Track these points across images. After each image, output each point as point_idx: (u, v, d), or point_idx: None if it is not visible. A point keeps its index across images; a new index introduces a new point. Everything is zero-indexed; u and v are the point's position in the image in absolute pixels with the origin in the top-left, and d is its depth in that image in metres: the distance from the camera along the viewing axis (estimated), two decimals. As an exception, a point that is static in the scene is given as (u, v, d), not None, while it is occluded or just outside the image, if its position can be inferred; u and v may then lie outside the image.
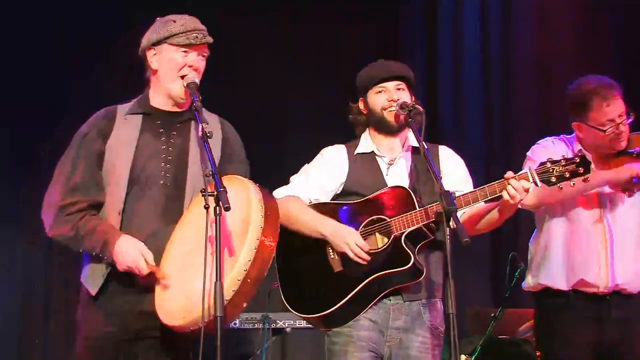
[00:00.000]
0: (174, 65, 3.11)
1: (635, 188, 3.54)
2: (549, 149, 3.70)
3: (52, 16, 6.06)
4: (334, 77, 6.06)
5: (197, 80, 3.11)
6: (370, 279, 3.19)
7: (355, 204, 3.32)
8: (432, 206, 3.15)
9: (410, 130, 3.31)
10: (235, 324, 5.12)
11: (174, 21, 3.12)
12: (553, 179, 3.08)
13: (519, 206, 3.23)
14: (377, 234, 3.24)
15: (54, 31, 6.09)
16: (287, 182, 3.44)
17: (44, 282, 6.13)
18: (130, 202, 3.06)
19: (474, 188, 3.26)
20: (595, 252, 3.62)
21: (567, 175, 3.08)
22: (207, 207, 2.73)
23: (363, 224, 3.26)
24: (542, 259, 3.74)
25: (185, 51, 3.11)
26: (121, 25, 5.80)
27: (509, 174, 3.10)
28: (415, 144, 3.34)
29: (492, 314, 4.79)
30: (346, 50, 6.29)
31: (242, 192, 2.87)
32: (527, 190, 3.08)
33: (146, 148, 3.11)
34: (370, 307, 3.23)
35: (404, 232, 3.18)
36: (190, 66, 3.11)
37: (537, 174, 3.08)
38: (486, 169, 6.14)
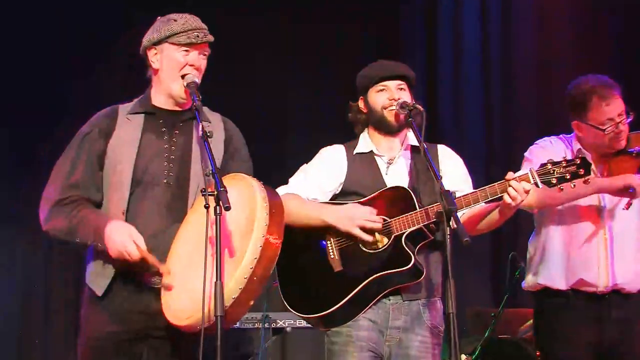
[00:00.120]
0: (175, 64, 3.11)
1: (630, 197, 3.53)
2: (547, 149, 3.70)
3: (52, 16, 6.07)
4: (334, 77, 6.08)
5: (197, 80, 3.11)
6: (370, 279, 3.18)
7: (355, 203, 3.31)
8: (432, 207, 3.15)
9: (410, 130, 3.31)
10: (235, 323, 5.12)
11: (175, 20, 3.12)
12: (554, 180, 3.09)
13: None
14: (377, 233, 3.24)
15: (54, 31, 6.10)
16: (286, 183, 3.44)
17: (44, 282, 6.14)
18: (133, 202, 3.05)
19: (474, 188, 3.26)
20: (595, 252, 3.62)
21: (568, 177, 3.08)
22: (207, 207, 2.73)
23: (363, 224, 3.26)
24: (541, 258, 3.74)
25: (186, 50, 3.10)
26: (121, 25, 5.82)
27: (510, 174, 3.10)
28: (415, 143, 3.34)
29: (492, 314, 4.79)
30: (346, 50, 6.30)
31: (246, 190, 2.87)
32: (527, 192, 3.08)
33: (149, 148, 3.11)
34: (370, 307, 3.23)
35: (404, 233, 3.18)
36: (191, 65, 3.11)
37: (538, 175, 3.08)
38: (486, 169, 6.15)
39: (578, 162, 3.09)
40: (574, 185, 3.10)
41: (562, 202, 3.58)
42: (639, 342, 3.62)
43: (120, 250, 2.91)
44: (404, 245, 3.17)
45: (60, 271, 6.00)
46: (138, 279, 3.01)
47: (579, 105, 3.64)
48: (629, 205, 3.55)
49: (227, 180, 2.80)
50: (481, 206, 3.23)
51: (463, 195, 3.16)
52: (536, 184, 3.08)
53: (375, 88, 3.38)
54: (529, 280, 3.80)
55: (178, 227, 3.01)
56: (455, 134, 6.34)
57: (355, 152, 3.43)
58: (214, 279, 2.67)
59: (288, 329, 5.21)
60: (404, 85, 3.37)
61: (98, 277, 3.06)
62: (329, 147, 3.49)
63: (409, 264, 3.15)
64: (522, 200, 3.09)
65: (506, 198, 3.08)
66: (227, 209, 2.67)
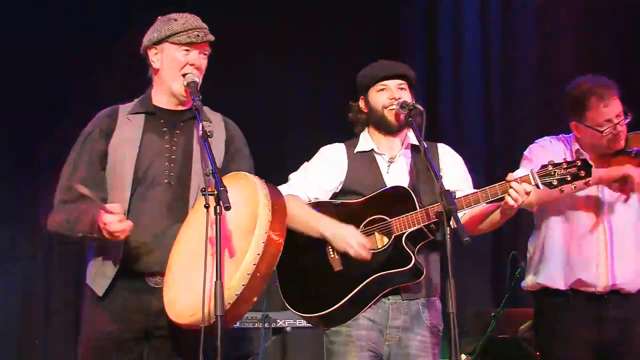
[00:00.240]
0: (176, 64, 3.11)
1: (628, 189, 3.53)
2: (547, 148, 3.70)
3: (52, 16, 6.07)
4: (334, 77, 6.08)
5: (198, 79, 3.11)
6: (370, 278, 3.19)
7: (355, 203, 3.32)
8: (433, 207, 3.15)
9: (410, 129, 3.32)
10: (238, 321, 5.12)
11: (175, 20, 3.12)
12: (555, 182, 3.08)
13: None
14: (377, 233, 3.23)
15: (54, 31, 6.09)
16: (286, 180, 3.45)
17: (44, 282, 6.13)
18: (135, 202, 3.05)
19: (474, 187, 3.26)
20: (594, 252, 3.62)
21: (569, 179, 3.08)
22: (207, 207, 2.73)
23: (363, 223, 3.26)
24: (540, 258, 3.74)
25: (186, 50, 3.11)
26: (121, 25, 5.82)
27: (511, 175, 3.09)
28: (416, 142, 3.34)
29: (492, 314, 4.79)
30: (346, 50, 6.30)
31: (248, 188, 2.87)
32: (528, 193, 3.08)
33: (150, 147, 3.11)
34: (369, 306, 3.23)
35: (404, 233, 3.18)
36: (192, 64, 3.11)
37: (539, 177, 3.08)
38: (486, 168, 6.14)
39: (579, 163, 3.09)
40: (575, 187, 3.10)
41: (562, 198, 3.57)
42: (638, 342, 3.62)
43: (108, 230, 2.87)
44: (404, 246, 3.17)
45: (60, 271, 6.00)
46: (138, 279, 3.01)
47: (577, 106, 3.63)
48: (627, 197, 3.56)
49: (228, 179, 2.80)
50: (482, 206, 3.23)
51: (464, 196, 3.16)
52: (537, 186, 3.07)
53: (375, 87, 3.38)
54: (529, 280, 3.80)
55: (179, 227, 3.01)
56: (455, 134, 6.33)
57: (355, 150, 3.43)
58: (215, 279, 2.67)
59: (288, 328, 5.21)
60: (404, 85, 3.38)
61: (98, 277, 3.06)
62: (329, 145, 3.49)
63: (409, 264, 3.15)
64: (523, 202, 3.09)
65: (507, 199, 3.07)
66: (227, 208, 2.66)
